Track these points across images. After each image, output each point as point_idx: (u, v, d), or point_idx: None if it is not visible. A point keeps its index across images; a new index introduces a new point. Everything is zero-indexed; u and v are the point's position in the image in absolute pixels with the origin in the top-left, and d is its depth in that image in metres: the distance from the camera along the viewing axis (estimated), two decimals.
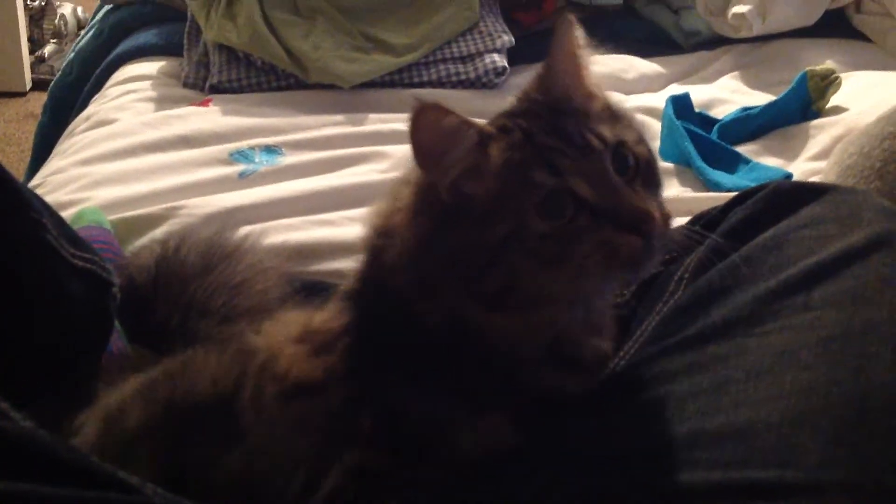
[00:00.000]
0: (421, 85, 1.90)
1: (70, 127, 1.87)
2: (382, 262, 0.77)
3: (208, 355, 0.80)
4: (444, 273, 0.73)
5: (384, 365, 0.75)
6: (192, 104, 1.82)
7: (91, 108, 1.89)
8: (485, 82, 1.90)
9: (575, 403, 0.78)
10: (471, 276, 0.72)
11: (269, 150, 1.62)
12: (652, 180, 0.76)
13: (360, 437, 0.72)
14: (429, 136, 0.70)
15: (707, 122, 1.68)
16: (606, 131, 0.74)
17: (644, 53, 2.08)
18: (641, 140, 0.77)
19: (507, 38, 1.98)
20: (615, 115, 0.77)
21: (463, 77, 1.91)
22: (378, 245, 0.78)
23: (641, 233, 0.70)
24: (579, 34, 0.77)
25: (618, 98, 0.90)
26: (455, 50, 1.96)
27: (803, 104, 1.67)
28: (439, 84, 1.90)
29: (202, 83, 1.92)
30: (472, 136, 0.72)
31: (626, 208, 0.70)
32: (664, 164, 1.57)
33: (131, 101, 1.85)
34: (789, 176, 1.48)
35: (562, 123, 0.73)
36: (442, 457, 0.72)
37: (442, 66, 1.92)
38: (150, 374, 0.83)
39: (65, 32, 3.82)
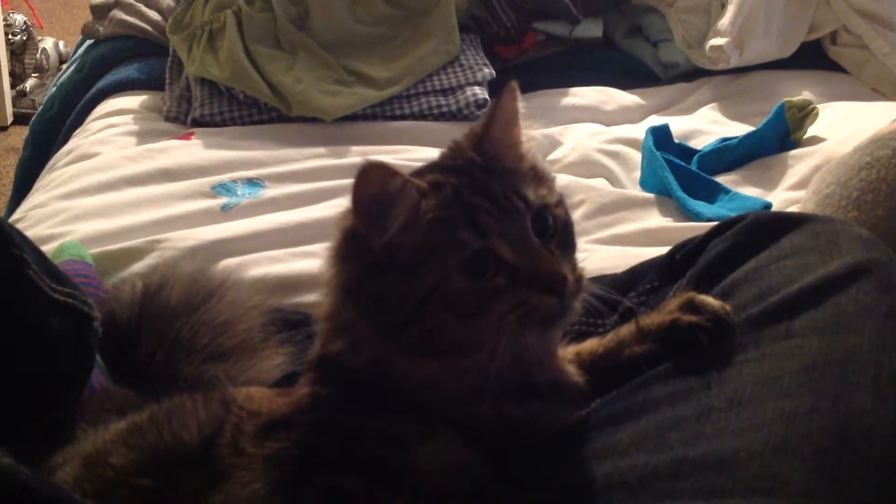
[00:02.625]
0: (403, 117, 1.90)
1: (51, 161, 1.87)
2: (326, 342, 0.82)
3: (196, 405, 0.81)
4: (366, 320, 0.77)
5: (340, 396, 0.78)
6: (173, 138, 1.81)
7: (72, 143, 1.89)
8: (466, 114, 1.91)
9: (548, 433, 0.79)
10: (394, 325, 0.75)
11: (252, 182, 1.62)
12: (567, 241, 0.80)
13: (328, 461, 0.73)
14: (372, 194, 0.74)
15: (686, 152, 1.70)
16: (531, 193, 0.78)
17: (624, 85, 2.10)
18: (561, 203, 0.81)
19: (488, 71, 1.99)
20: (539, 177, 0.82)
21: (444, 109, 1.91)
22: (321, 328, 0.83)
23: (556, 293, 0.74)
24: (519, 101, 0.83)
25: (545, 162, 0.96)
26: (437, 82, 1.96)
27: (781, 135, 1.69)
28: (421, 116, 1.91)
29: (184, 117, 1.92)
30: (413, 195, 0.75)
31: (542, 271, 0.74)
32: (645, 195, 1.58)
33: (113, 135, 1.85)
34: (769, 205, 1.49)
35: (491, 183, 0.77)
36: (403, 474, 0.73)
37: (423, 99, 1.93)
38: (134, 420, 0.83)
39: (46, 67, 3.82)
